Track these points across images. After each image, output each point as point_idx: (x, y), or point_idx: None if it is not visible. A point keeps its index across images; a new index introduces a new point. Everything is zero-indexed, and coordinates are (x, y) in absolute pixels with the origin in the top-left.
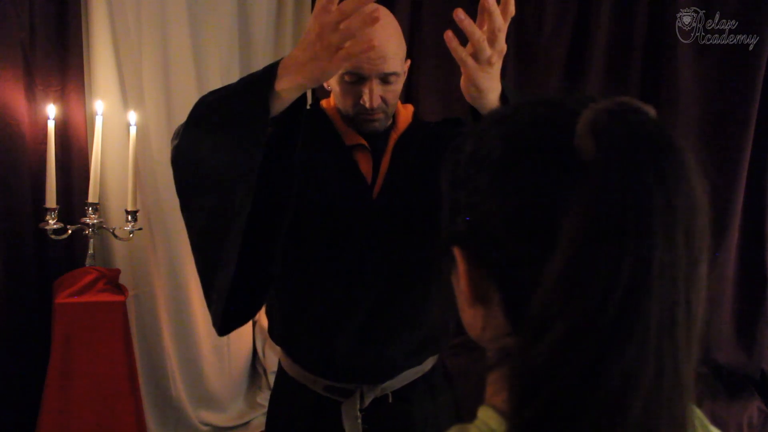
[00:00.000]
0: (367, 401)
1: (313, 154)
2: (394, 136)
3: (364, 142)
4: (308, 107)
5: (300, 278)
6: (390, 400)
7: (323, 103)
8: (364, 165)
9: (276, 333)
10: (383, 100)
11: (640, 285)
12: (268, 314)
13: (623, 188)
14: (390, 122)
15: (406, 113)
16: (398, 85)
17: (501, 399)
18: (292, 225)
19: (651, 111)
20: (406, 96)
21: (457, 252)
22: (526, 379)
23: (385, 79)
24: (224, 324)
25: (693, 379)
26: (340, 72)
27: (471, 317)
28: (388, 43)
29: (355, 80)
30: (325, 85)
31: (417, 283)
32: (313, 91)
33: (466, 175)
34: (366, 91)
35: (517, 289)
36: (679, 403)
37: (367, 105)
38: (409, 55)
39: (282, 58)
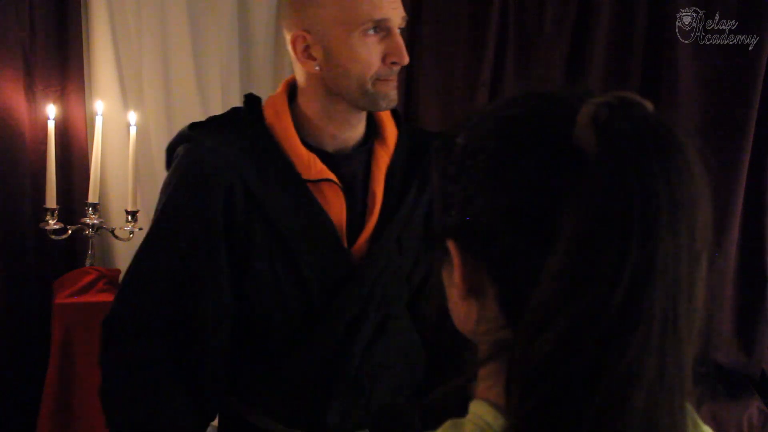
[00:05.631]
0: None
1: (266, 195)
2: (383, 158)
3: (331, 176)
4: (242, 111)
5: (272, 347)
6: None
7: (268, 112)
8: (335, 206)
9: (244, 391)
10: None
11: (644, 279)
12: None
13: (629, 183)
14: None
15: (387, 117)
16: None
17: (495, 393)
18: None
19: (649, 106)
20: (406, 95)
21: (451, 245)
22: (528, 372)
23: (401, 29)
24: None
25: (691, 373)
26: (362, 27)
27: (464, 311)
28: None
29: (380, 31)
30: (314, 66)
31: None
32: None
33: (460, 167)
34: (394, 43)
35: (514, 282)
36: (679, 397)
37: (399, 60)
38: (410, 54)
39: None
